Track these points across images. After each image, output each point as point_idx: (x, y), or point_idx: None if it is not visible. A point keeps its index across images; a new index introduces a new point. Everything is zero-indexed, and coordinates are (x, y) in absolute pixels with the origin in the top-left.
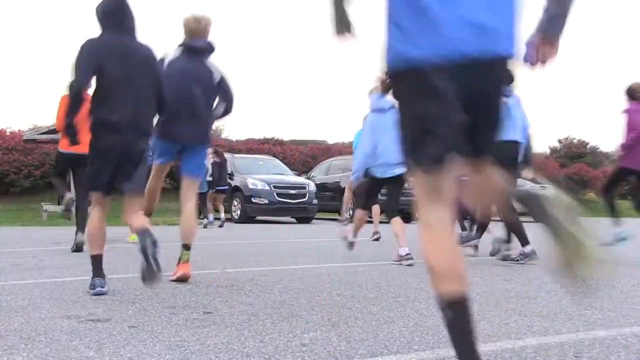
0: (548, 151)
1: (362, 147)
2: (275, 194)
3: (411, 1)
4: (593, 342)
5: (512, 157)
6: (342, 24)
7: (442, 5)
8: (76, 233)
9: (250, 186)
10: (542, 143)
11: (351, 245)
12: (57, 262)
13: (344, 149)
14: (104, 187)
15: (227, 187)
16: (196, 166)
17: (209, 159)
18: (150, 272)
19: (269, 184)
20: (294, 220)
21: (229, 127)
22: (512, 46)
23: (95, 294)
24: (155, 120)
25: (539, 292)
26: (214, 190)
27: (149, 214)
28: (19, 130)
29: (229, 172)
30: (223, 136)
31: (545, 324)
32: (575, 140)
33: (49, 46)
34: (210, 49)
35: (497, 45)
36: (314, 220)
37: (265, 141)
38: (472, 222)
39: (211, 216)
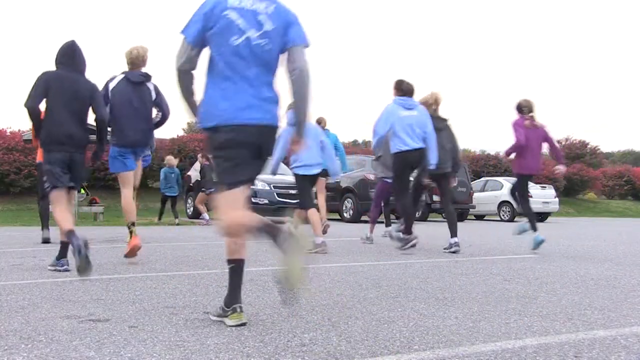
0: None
1: (279, 152)
2: (275, 194)
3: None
4: (593, 342)
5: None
6: (193, 109)
7: (232, 94)
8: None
9: (251, 186)
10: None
11: (318, 244)
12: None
13: (344, 149)
14: (59, 185)
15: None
16: (136, 161)
17: (201, 162)
18: (85, 266)
19: (269, 184)
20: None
21: None
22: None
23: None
24: (109, 134)
25: (539, 292)
26: (207, 193)
27: (132, 223)
28: (19, 130)
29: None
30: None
31: (545, 324)
32: (575, 140)
33: (49, 47)
34: (146, 80)
35: (271, 120)
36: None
37: None
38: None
39: (206, 215)
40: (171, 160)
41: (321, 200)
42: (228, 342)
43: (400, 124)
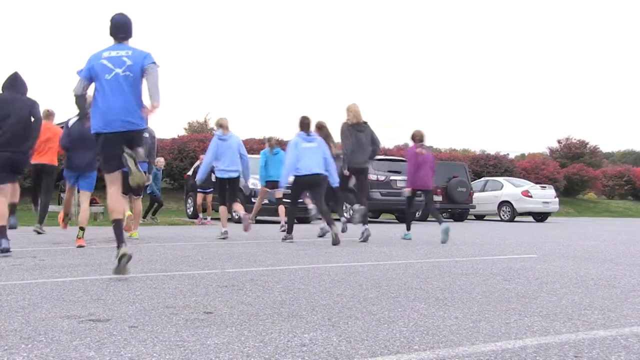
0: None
1: (205, 159)
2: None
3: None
4: (593, 342)
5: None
6: (88, 115)
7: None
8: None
9: (251, 186)
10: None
11: (224, 234)
12: (57, 262)
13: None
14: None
15: (212, 189)
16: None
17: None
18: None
19: None
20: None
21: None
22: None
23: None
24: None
25: (539, 292)
26: (206, 193)
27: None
28: None
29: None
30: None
31: (545, 324)
32: (575, 140)
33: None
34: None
35: (133, 125)
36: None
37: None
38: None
39: (200, 215)
40: (160, 161)
41: (257, 203)
42: (228, 342)
43: (304, 154)
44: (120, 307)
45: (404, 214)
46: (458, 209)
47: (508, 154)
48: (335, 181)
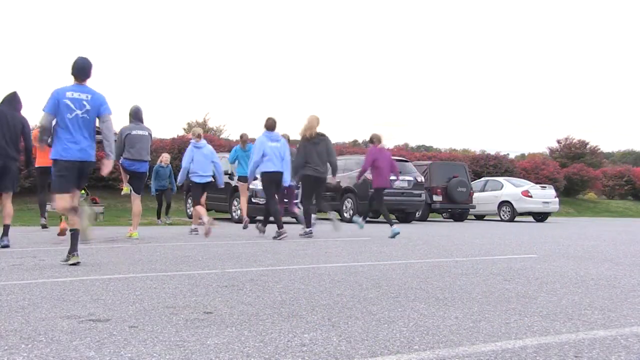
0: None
1: (183, 164)
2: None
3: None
4: (593, 342)
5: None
6: (49, 144)
7: (68, 142)
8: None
9: (251, 186)
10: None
11: (195, 231)
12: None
13: (344, 149)
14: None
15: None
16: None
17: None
18: None
19: None
20: (294, 220)
21: (229, 128)
22: (92, 157)
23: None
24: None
25: (539, 292)
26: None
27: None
28: None
29: (229, 172)
30: (223, 136)
31: (545, 324)
32: (575, 140)
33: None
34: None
35: (86, 156)
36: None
37: None
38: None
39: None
40: (165, 157)
41: (243, 200)
42: (228, 342)
43: (269, 152)
44: (120, 307)
45: (403, 214)
46: (458, 209)
47: (508, 154)
48: (288, 181)
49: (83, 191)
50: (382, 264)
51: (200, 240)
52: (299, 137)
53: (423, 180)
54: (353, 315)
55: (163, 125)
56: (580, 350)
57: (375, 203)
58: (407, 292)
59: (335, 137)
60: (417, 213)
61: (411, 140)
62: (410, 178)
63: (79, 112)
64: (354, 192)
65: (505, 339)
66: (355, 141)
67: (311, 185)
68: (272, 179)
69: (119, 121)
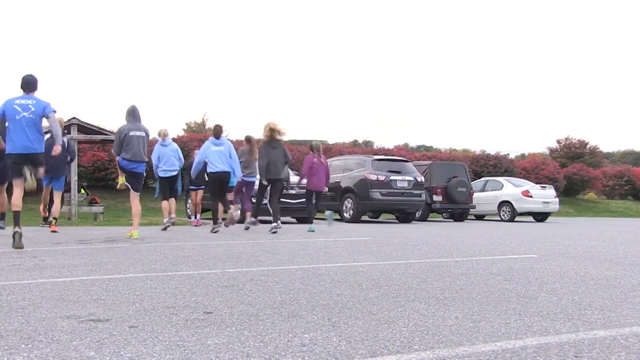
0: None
1: (153, 160)
2: None
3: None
4: (593, 342)
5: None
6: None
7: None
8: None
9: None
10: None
11: (166, 228)
12: (57, 262)
13: (344, 149)
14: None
15: (203, 186)
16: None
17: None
18: None
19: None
20: (294, 220)
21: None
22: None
23: None
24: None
25: (539, 292)
26: (197, 190)
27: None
28: None
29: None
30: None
31: (545, 324)
32: (575, 140)
33: (49, 48)
34: None
35: (33, 150)
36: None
37: None
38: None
39: (198, 216)
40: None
41: (229, 197)
42: (228, 342)
43: (212, 155)
44: (120, 307)
45: (403, 214)
46: (458, 209)
47: (508, 154)
48: (239, 175)
49: (83, 191)
50: (382, 264)
51: (200, 240)
52: (306, 137)
53: (423, 180)
54: (353, 315)
55: (162, 126)
56: (580, 350)
57: (306, 201)
58: (407, 292)
59: (335, 137)
60: (417, 213)
61: (411, 140)
62: (410, 178)
63: (25, 113)
64: (354, 192)
65: (505, 339)
66: (355, 141)
67: (265, 186)
68: (216, 179)
69: (118, 121)
